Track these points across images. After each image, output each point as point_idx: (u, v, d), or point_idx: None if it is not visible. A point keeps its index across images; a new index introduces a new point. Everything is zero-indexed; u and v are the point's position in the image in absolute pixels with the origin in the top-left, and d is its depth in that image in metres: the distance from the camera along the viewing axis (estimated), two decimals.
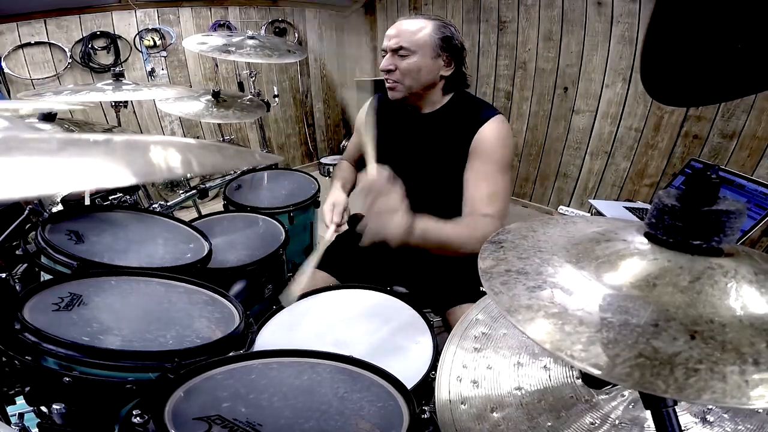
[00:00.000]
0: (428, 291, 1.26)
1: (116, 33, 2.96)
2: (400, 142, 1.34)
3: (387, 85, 1.27)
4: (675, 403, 0.41)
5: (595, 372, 0.32)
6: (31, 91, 1.75)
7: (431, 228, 0.98)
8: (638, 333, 0.34)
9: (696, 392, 0.29)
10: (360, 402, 0.70)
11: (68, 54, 2.79)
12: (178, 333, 0.82)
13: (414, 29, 1.20)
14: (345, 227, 1.27)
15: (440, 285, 1.27)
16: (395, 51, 1.21)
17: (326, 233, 1.22)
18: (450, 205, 1.23)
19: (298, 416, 0.66)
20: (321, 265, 1.37)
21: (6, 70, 2.61)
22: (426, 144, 1.29)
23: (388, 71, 1.23)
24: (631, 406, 0.56)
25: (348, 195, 1.40)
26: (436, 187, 1.27)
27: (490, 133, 1.19)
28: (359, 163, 1.53)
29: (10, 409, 0.81)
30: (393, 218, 0.88)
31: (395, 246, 0.89)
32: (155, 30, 3.12)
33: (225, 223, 1.50)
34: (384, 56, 1.25)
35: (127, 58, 3.05)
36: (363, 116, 1.45)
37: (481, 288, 1.24)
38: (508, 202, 1.22)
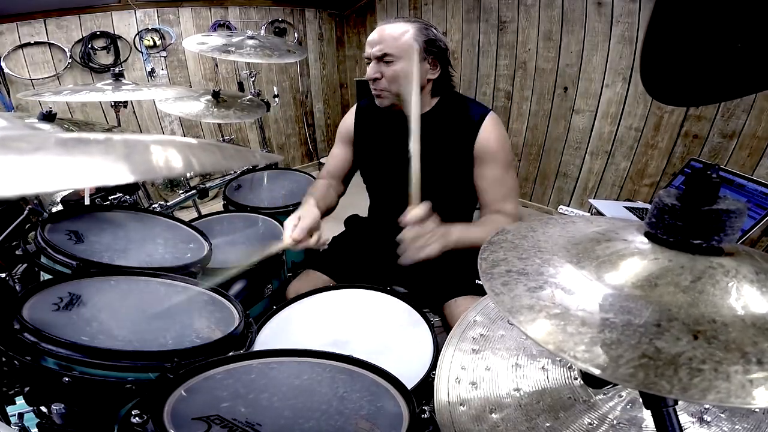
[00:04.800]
0: (425, 287, 1.26)
1: (116, 33, 2.96)
2: (391, 147, 1.32)
3: (373, 92, 1.25)
4: (675, 402, 0.41)
5: (599, 373, 0.32)
6: (31, 91, 1.75)
7: (463, 237, 1.11)
8: (641, 333, 0.34)
9: (701, 392, 0.29)
10: (360, 402, 0.70)
11: (68, 54, 2.79)
12: (177, 333, 0.82)
13: (397, 34, 1.16)
14: (307, 244, 1.14)
15: (437, 280, 1.27)
16: (380, 58, 1.18)
17: (281, 243, 1.13)
18: (445, 205, 1.21)
19: (297, 416, 0.66)
20: (318, 267, 1.37)
21: (6, 70, 2.60)
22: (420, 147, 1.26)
23: (374, 79, 1.21)
24: (629, 407, 0.56)
25: (323, 214, 1.27)
26: (431, 188, 1.25)
27: (490, 135, 1.22)
28: (346, 179, 1.48)
29: (10, 409, 0.81)
30: (430, 247, 1.01)
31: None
32: (155, 30, 3.12)
33: (225, 223, 1.50)
34: (368, 63, 1.23)
35: (127, 58, 3.05)
36: (348, 124, 1.43)
37: (477, 281, 1.25)
38: (518, 193, 1.30)
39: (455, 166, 1.26)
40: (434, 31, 1.21)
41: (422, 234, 1.01)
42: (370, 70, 1.21)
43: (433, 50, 1.20)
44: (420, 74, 1.17)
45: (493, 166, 1.24)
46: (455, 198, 1.31)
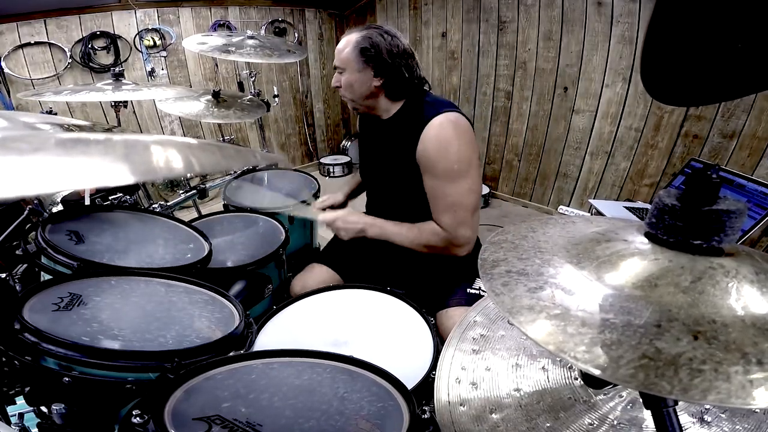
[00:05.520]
0: (419, 293, 1.27)
1: (116, 33, 2.96)
2: (368, 148, 1.43)
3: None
4: (675, 403, 0.41)
5: (599, 374, 0.32)
6: (31, 91, 1.75)
7: (383, 232, 1.28)
8: (641, 334, 0.34)
9: (701, 393, 0.29)
10: (360, 402, 0.70)
11: (68, 54, 2.79)
12: (178, 333, 0.82)
13: (341, 47, 1.23)
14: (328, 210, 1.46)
15: (430, 285, 1.31)
16: (336, 68, 1.27)
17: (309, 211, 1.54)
18: (407, 205, 1.30)
19: (298, 416, 0.66)
20: (324, 261, 1.47)
21: (6, 70, 2.60)
22: (381, 150, 1.34)
23: (337, 87, 1.29)
24: (629, 407, 0.56)
25: (356, 190, 1.69)
26: (391, 189, 1.35)
27: (429, 142, 1.16)
28: None
29: (10, 409, 0.80)
30: (344, 232, 1.31)
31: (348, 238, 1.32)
32: (155, 30, 3.12)
33: (225, 223, 1.50)
34: None
35: (127, 58, 3.05)
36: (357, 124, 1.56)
37: (468, 290, 1.28)
38: (471, 206, 1.18)
39: (404, 173, 1.24)
40: (372, 40, 1.18)
41: (336, 220, 1.30)
42: (333, 79, 1.30)
43: (370, 59, 1.19)
44: (365, 82, 1.23)
45: (430, 176, 1.19)
46: (414, 204, 1.27)
